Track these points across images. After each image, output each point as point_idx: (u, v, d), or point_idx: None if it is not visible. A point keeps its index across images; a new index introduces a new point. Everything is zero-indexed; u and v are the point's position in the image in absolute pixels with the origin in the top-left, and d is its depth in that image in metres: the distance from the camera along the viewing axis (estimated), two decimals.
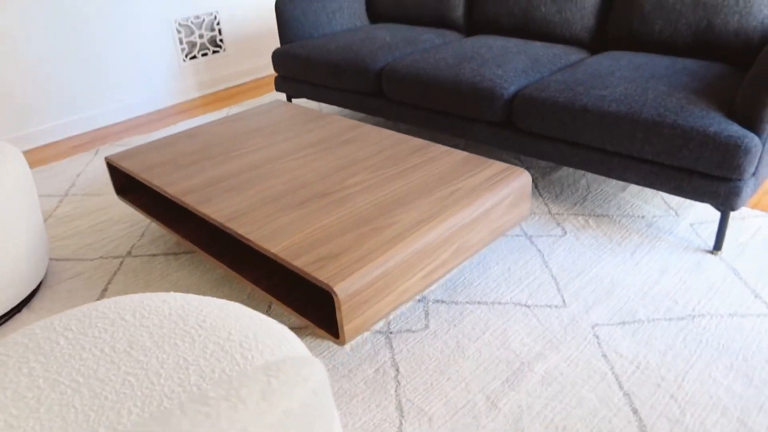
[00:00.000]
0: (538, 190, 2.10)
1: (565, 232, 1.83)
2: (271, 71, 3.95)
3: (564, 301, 1.53)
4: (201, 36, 3.51)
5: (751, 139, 1.48)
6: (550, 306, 1.52)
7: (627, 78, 1.79)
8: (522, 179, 1.54)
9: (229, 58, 3.69)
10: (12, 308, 1.61)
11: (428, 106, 2.18)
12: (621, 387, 1.26)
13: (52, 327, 0.78)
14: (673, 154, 1.59)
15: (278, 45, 3.93)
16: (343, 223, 1.37)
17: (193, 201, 1.53)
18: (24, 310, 1.65)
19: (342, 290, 1.15)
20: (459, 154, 1.67)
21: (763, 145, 1.51)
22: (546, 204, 2.00)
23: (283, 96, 3.41)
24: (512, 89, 1.96)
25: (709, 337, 1.38)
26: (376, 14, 2.98)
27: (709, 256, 1.67)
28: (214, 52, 3.60)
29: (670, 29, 2.00)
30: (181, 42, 3.42)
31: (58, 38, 2.90)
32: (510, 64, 2.05)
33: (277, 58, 2.71)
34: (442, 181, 1.53)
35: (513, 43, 2.27)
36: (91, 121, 3.14)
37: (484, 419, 1.20)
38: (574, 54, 2.20)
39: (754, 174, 1.56)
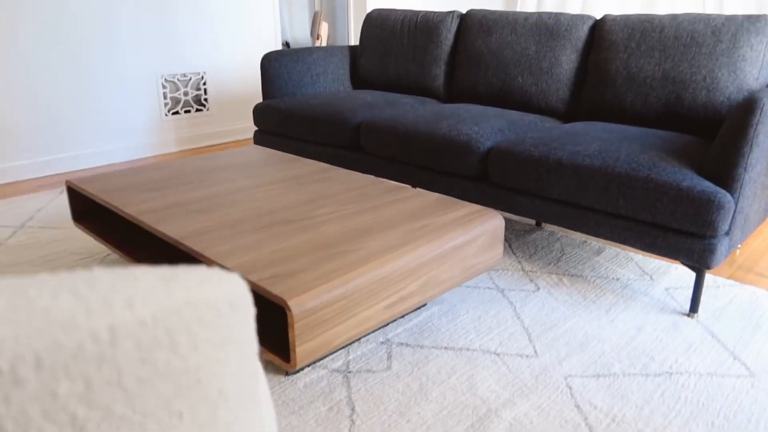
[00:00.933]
0: (512, 249, 2.05)
1: (538, 288, 1.77)
2: (251, 134, 3.97)
3: (536, 351, 1.44)
4: (186, 93, 3.54)
5: (724, 195, 1.47)
6: (521, 355, 1.42)
7: (601, 138, 1.81)
8: (495, 221, 1.50)
9: (211, 118, 3.71)
10: None
11: (405, 159, 2.17)
12: None
13: None
14: (648, 209, 1.57)
15: None
16: (305, 246, 1.29)
17: (150, 220, 1.45)
18: None
19: (297, 305, 1.06)
20: (432, 196, 1.64)
21: (736, 204, 1.51)
22: (519, 262, 1.95)
23: None
24: (488, 144, 1.96)
25: (688, 394, 1.29)
26: (359, 80, 3.06)
27: (686, 318, 1.61)
28: (197, 110, 3.62)
29: (641, 102, 2.06)
30: (165, 97, 3.44)
31: (37, 75, 2.89)
32: (487, 123, 2.08)
33: (258, 111, 2.72)
34: (414, 217, 1.48)
35: (491, 109, 2.32)
36: (64, 163, 3.07)
37: None
38: (549, 122, 2.24)
39: (727, 233, 1.54)
